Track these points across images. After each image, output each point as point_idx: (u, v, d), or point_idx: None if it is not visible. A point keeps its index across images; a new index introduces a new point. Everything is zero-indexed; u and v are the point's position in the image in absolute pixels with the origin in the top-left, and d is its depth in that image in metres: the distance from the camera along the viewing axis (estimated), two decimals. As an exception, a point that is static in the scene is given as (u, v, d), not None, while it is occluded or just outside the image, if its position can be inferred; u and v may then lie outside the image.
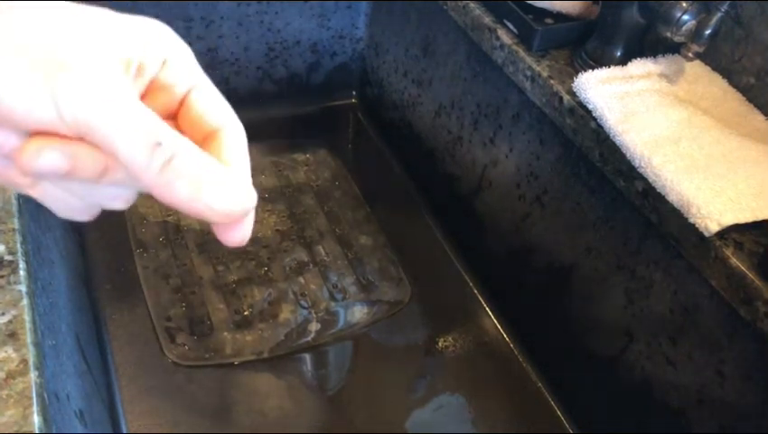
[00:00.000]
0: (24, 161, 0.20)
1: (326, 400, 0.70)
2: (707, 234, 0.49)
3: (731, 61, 0.62)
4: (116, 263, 0.78)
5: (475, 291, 0.83)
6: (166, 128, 0.21)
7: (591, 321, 0.67)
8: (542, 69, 0.63)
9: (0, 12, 0.20)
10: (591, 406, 0.69)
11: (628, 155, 0.54)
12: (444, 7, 0.77)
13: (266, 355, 0.72)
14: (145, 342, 0.71)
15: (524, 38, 0.66)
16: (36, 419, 0.33)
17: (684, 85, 0.61)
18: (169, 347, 0.71)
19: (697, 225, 0.49)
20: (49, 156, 0.20)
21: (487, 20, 0.70)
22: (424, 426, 0.69)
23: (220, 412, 0.67)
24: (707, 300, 0.53)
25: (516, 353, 0.77)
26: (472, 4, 0.71)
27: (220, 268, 0.79)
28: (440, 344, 0.77)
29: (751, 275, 0.47)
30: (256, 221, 0.84)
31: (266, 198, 0.88)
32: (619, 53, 0.62)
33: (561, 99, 0.61)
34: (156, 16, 0.23)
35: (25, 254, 0.41)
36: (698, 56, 0.57)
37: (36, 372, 0.35)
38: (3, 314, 0.37)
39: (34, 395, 0.34)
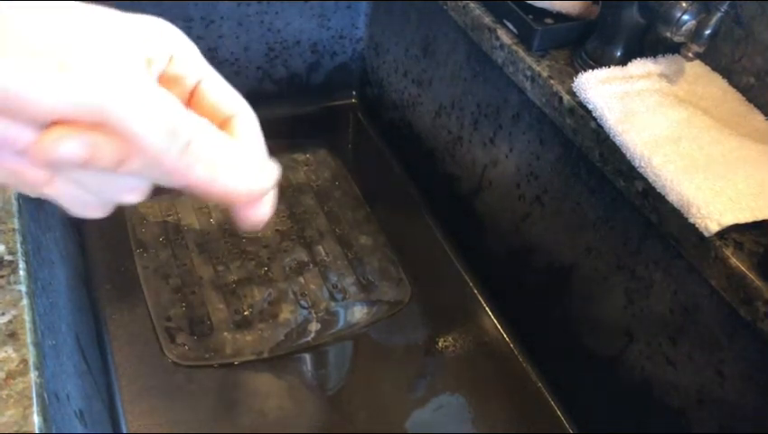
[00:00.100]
0: (43, 150, 0.20)
1: (326, 401, 0.70)
2: (706, 234, 0.49)
3: (731, 61, 0.62)
4: (116, 263, 0.78)
5: (475, 291, 0.83)
6: (184, 112, 0.21)
7: (591, 321, 0.67)
8: (542, 69, 0.63)
9: (11, 8, 0.20)
10: (591, 406, 0.69)
11: (628, 155, 0.54)
12: (444, 7, 0.77)
13: (266, 355, 0.72)
14: (145, 342, 0.71)
15: (524, 38, 0.66)
16: (36, 420, 0.33)
17: (684, 85, 0.61)
18: (169, 347, 0.71)
19: (697, 225, 0.49)
20: (68, 145, 0.20)
21: (487, 20, 0.70)
22: (424, 426, 0.69)
23: (219, 412, 0.67)
24: (707, 300, 0.53)
25: (516, 353, 0.77)
26: (472, 4, 0.71)
27: (220, 268, 0.79)
28: (440, 344, 0.77)
29: (751, 275, 0.47)
30: (256, 221, 0.81)
31: (266, 198, 0.88)
32: (619, 53, 0.62)
33: (561, 98, 0.61)
34: (157, 16, 0.23)
35: (25, 254, 0.41)
36: (698, 56, 0.57)
37: (36, 373, 0.35)
38: (3, 314, 0.37)
39: (34, 395, 0.34)
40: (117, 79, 0.20)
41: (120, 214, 0.83)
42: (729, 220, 0.48)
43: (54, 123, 0.21)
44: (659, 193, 0.52)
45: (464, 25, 0.74)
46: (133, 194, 0.24)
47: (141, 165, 0.22)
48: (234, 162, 0.22)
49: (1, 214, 0.42)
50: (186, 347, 0.71)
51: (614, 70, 0.60)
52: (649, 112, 0.57)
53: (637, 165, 0.54)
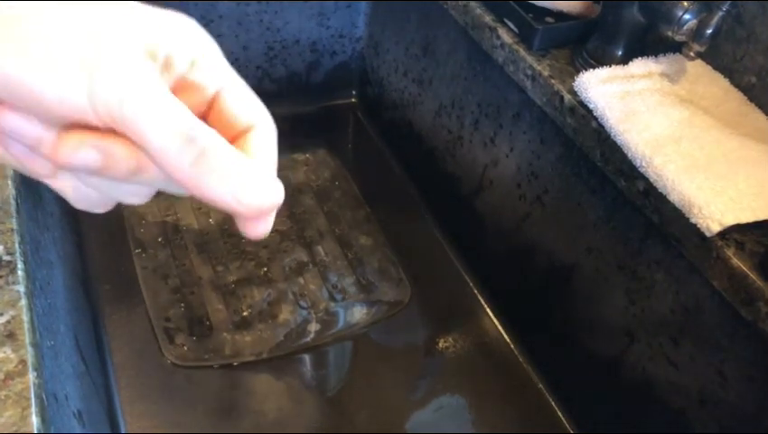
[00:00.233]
0: (61, 156, 0.20)
1: (326, 401, 0.70)
2: (708, 234, 0.49)
3: (732, 61, 0.62)
4: (114, 263, 0.77)
5: (475, 291, 0.83)
6: (198, 122, 0.21)
7: (592, 321, 0.67)
8: (543, 68, 0.63)
9: (31, 5, 0.20)
10: (591, 406, 0.69)
11: (629, 155, 0.54)
12: (445, 6, 0.77)
13: (265, 356, 0.72)
14: (143, 342, 0.71)
15: (525, 37, 0.66)
16: (35, 420, 0.33)
17: (685, 84, 0.61)
18: (168, 348, 0.70)
19: (698, 225, 0.49)
20: (86, 153, 0.20)
21: (487, 19, 0.69)
22: (424, 426, 0.69)
23: (219, 413, 0.67)
24: (709, 301, 0.53)
25: (516, 353, 0.77)
26: (472, 4, 0.71)
27: (220, 268, 0.79)
28: (440, 344, 0.77)
29: (752, 275, 0.47)
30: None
31: (266, 198, 0.88)
32: (620, 53, 0.62)
33: (562, 98, 0.61)
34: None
35: (23, 254, 0.40)
36: (700, 55, 0.57)
37: (35, 373, 0.35)
38: (1, 314, 0.37)
39: (33, 396, 0.34)
40: (134, 82, 0.20)
41: (119, 214, 0.82)
42: (730, 220, 0.48)
43: (69, 125, 0.20)
44: (660, 193, 0.52)
45: (465, 24, 0.73)
46: (138, 197, 0.24)
47: (153, 177, 0.22)
48: (246, 177, 0.22)
49: (-1, 214, 0.42)
50: (185, 348, 0.71)
51: (615, 70, 0.60)
52: (650, 112, 0.57)
53: (638, 164, 0.54)
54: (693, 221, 0.50)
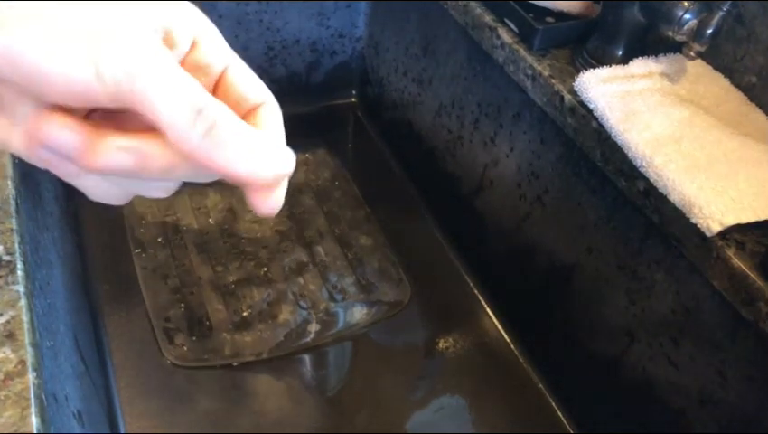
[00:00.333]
0: (94, 161, 0.21)
1: (326, 402, 0.69)
2: (708, 234, 0.49)
3: (733, 61, 0.62)
4: (114, 263, 0.77)
5: (475, 291, 0.83)
6: (208, 95, 0.21)
7: (592, 321, 0.66)
8: (543, 68, 0.63)
9: None
10: (591, 406, 0.69)
11: (629, 155, 0.54)
12: (445, 6, 0.76)
13: (265, 356, 0.72)
14: (143, 343, 0.71)
15: (525, 37, 0.66)
16: (34, 421, 0.33)
17: (686, 84, 0.61)
18: (168, 348, 0.70)
19: (698, 225, 0.49)
20: (120, 158, 0.21)
21: (487, 19, 0.69)
22: (424, 427, 0.69)
23: (219, 413, 0.67)
24: (709, 301, 0.53)
25: (516, 353, 0.77)
26: (472, 3, 0.71)
27: (219, 268, 0.79)
28: (440, 344, 0.77)
29: (753, 275, 0.47)
30: (255, 221, 0.84)
31: (266, 198, 0.88)
32: (620, 52, 0.62)
33: (562, 98, 0.61)
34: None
35: (23, 254, 0.40)
36: (700, 55, 0.56)
37: (34, 373, 0.35)
38: (1, 315, 0.37)
39: (32, 396, 0.34)
40: (142, 55, 0.20)
41: (119, 214, 0.82)
42: (731, 220, 0.48)
43: (93, 111, 0.21)
44: (660, 193, 0.52)
45: (465, 24, 0.73)
46: (163, 191, 0.24)
47: (184, 173, 0.22)
48: (258, 147, 0.22)
49: (-2, 214, 0.42)
50: (185, 348, 0.71)
51: (616, 70, 0.60)
52: (650, 111, 0.56)
53: (638, 164, 0.53)
54: (693, 221, 0.49)
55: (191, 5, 0.23)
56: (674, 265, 0.55)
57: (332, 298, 0.78)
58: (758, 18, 0.59)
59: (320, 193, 0.91)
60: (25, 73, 0.20)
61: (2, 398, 0.33)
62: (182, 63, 0.23)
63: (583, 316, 0.67)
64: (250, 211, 0.87)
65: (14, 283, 0.38)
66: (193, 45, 0.23)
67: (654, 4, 0.57)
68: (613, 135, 0.56)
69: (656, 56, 0.62)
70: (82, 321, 0.64)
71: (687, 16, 0.54)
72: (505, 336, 0.79)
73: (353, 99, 1.07)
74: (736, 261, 0.48)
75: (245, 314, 0.75)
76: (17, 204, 0.43)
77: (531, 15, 0.65)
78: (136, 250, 0.79)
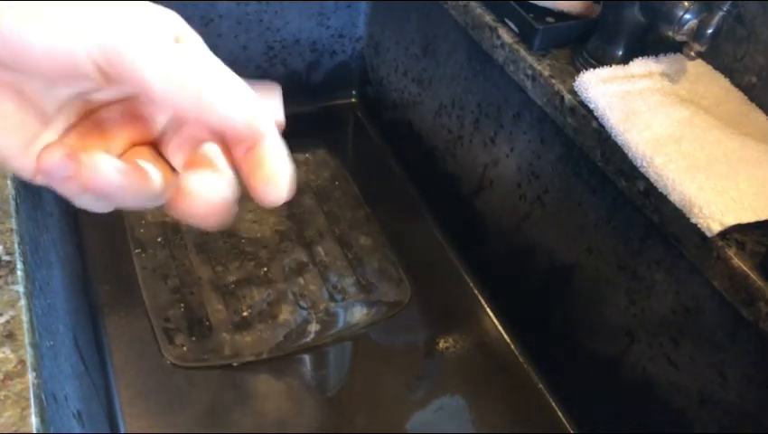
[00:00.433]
0: (91, 183, 0.21)
1: (326, 402, 0.69)
2: (708, 234, 0.49)
3: (733, 61, 0.62)
4: (114, 264, 0.77)
5: (475, 291, 0.83)
6: (196, 61, 0.22)
7: (592, 321, 0.66)
8: (543, 68, 0.63)
9: None
10: (591, 406, 0.69)
11: (629, 155, 0.54)
12: (445, 6, 0.76)
13: (265, 356, 0.72)
14: (143, 343, 0.71)
15: (525, 37, 0.66)
16: (34, 421, 0.33)
17: (686, 84, 0.61)
18: (167, 348, 0.70)
19: (699, 225, 0.49)
20: (117, 180, 0.21)
21: (488, 19, 0.69)
22: (424, 427, 0.69)
23: (218, 414, 0.67)
24: (709, 301, 0.53)
25: (516, 353, 0.77)
26: (472, 3, 0.71)
27: (219, 268, 0.79)
28: (440, 344, 0.77)
29: (753, 275, 0.47)
30: (254, 222, 0.84)
31: (266, 198, 0.88)
32: (620, 52, 0.62)
33: (562, 98, 0.61)
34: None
35: (23, 254, 0.40)
36: (700, 55, 0.56)
37: (34, 374, 0.35)
38: (0, 315, 0.37)
39: (32, 396, 0.34)
40: (134, 28, 0.20)
41: (119, 214, 0.82)
42: (731, 220, 0.48)
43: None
44: (660, 193, 0.52)
45: (465, 24, 0.73)
46: (156, 203, 0.25)
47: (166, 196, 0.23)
48: (248, 96, 0.23)
49: (-2, 214, 0.42)
50: (185, 348, 0.71)
51: (616, 70, 0.60)
52: (650, 111, 0.56)
53: (639, 164, 0.53)
54: (694, 221, 0.49)
55: (172, 12, 0.23)
56: (674, 265, 0.55)
57: (332, 298, 0.78)
58: (758, 18, 0.59)
59: (320, 193, 0.91)
60: (10, 45, 0.20)
61: (2, 398, 0.33)
62: None
63: (583, 316, 0.67)
64: (250, 211, 0.87)
65: (13, 283, 0.38)
66: (177, 40, 0.23)
67: (654, 4, 0.57)
68: (613, 135, 0.56)
69: (656, 56, 0.62)
70: (82, 321, 0.64)
71: (687, 16, 0.54)
72: (505, 336, 0.79)
73: (353, 99, 1.07)
74: (737, 261, 0.48)
75: (245, 314, 0.75)
76: (17, 204, 0.43)
77: (531, 15, 0.65)
78: (136, 250, 0.79)
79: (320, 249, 0.84)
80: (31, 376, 0.34)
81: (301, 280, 0.80)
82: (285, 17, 0.94)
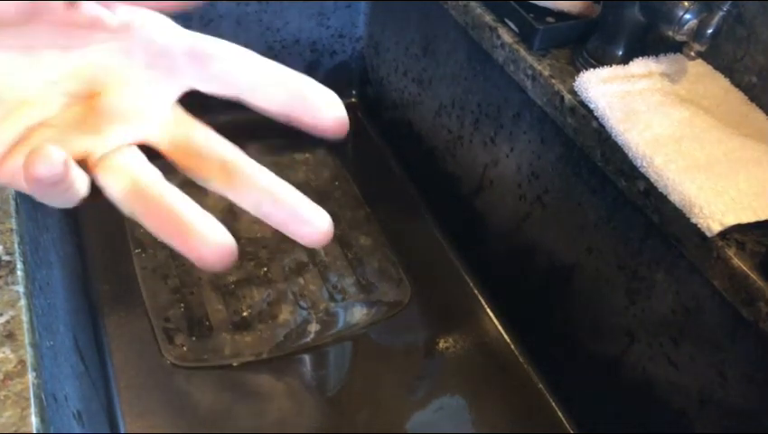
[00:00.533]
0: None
1: (326, 402, 0.69)
2: (709, 234, 0.49)
3: (733, 61, 0.62)
4: (114, 263, 0.77)
5: (475, 291, 0.83)
6: None
7: (592, 321, 0.66)
8: (543, 68, 0.63)
9: None
10: (591, 406, 0.69)
11: (630, 155, 0.54)
12: (445, 6, 0.76)
13: (265, 356, 0.72)
14: (143, 343, 0.70)
15: (525, 37, 0.66)
16: (34, 421, 0.33)
17: (686, 84, 0.61)
18: (167, 348, 0.70)
19: (699, 225, 0.49)
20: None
21: (488, 19, 0.69)
22: (424, 427, 0.69)
23: (218, 414, 0.67)
24: (709, 301, 0.53)
25: (516, 353, 0.77)
26: (472, 3, 0.71)
27: (219, 268, 0.79)
28: (440, 344, 0.77)
29: (753, 275, 0.47)
30: (254, 222, 0.84)
31: (266, 198, 0.88)
32: (620, 52, 0.62)
33: (562, 98, 0.61)
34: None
35: (23, 254, 0.40)
36: (700, 55, 0.56)
37: (34, 374, 0.35)
38: (0, 315, 0.37)
39: (32, 396, 0.34)
40: None
41: (119, 214, 0.82)
42: (731, 220, 0.48)
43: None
44: (660, 193, 0.52)
45: (465, 24, 0.73)
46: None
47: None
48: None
49: (-2, 214, 0.42)
50: (185, 348, 0.71)
51: (616, 70, 0.60)
52: (650, 111, 0.56)
53: (639, 164, 0.53)
54: (694, 221, 0.49)
55: None
56: (674, 265, 0.55)
57: (332, 298, 0.78)
58: (758, 18, 0.59)
59: (320, 192, 0.91)
60: None
61: (2, 398, 0.33)
62: None
63: (583, 316, 0.67)
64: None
65: (13, 283, 0.38)
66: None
67: (654, 4, 0.57)
68: (613, 135, 0.56)
69: (656, 56, 0.62)
70: (82, 321, 0.64)
71: (687, 16, 0.54)
72: (505, 336, 0.78)
73: (353, 99, 1.07)
74: (737, 261, 0.48)
75: (245, 314, 0.75)
76: (17, 204, 0.43)
77: (531, 15, 0.65)
78: (136, 250, 0.79)
79: (320, 249, 0.84)
80: (31, 376, 0.34)
81: (301, 280, 0.80)
82: (285, 17, 0.94)
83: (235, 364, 0.71)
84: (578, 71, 0.61)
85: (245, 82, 0.23)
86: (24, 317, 0.37)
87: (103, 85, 0.23)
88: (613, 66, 0.60)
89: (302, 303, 0.77)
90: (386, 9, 0.94)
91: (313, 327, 0.75)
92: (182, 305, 0.74)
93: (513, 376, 0.75)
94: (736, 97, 0.60)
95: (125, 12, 0.23)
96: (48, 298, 0.46)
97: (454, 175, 0.86)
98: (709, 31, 0.53)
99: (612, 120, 0.56)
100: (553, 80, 0.62)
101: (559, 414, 0.72)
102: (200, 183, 0.23)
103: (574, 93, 0.60)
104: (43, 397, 0.35)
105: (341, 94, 1.17)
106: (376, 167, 0.99)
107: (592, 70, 0.60)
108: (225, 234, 0.23)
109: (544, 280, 0.72)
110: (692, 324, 0.55)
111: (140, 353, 0.70)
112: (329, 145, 0.98)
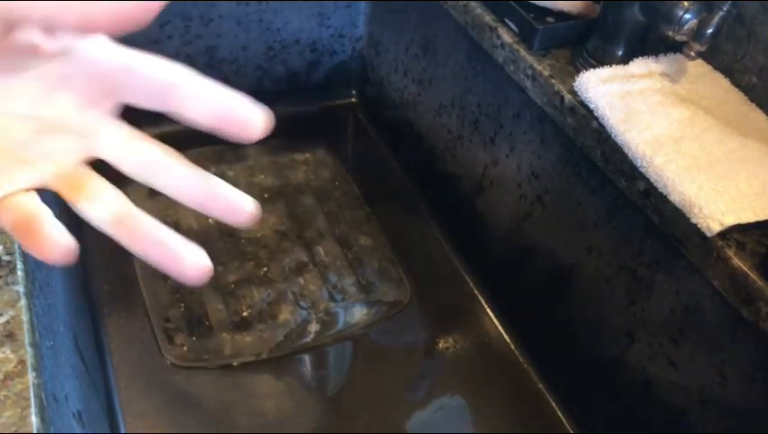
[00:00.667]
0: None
1: (326, 402, 0.69)
2: (708, 234, 0.49)
3: (733, 61, 0.62)
4: (114, 263, 0.77)
5: (475, 291, 0.83)
6: None
7: (592, 322, 0.66)
8: (543, 68, 0.63)
9: None
10: (591, 406, 0.69)
11: (629, 155, 0.54)
12: (445, 6, 0.76)
13: (265, 356, 0.72)
14: (143, 343, 0.71)
15: (525, 37, 0.66)
16: (34, 421, 0.33)
17: (686, 84, 0.61)
18: (167, 348, 0.70)
19: (699, 225, 0.49)
20: None
21: (488, 18, 0.69)
22: (424, 427, 0.69)
23: (218, 414, 0.67)
24: (709, 301, 0.53)
25: (516, 353, 0.77)
26: (472, 3, 0.71)
27: (219, 268, 0.79)
28: (440, 344, 0.77)
29: (753, 275, 0.47)
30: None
31: (266, 198, 0.88)
32: (620, 52, 0.62)
33: (562, 98, 0.61)
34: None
35: (23, 254, 0.40)
36: (700, 55, 0.56)
37: (34, 373, 0.35)
38: (0, 315, 0.37)
39: (32, 396, 0.34)
40: None
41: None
42: (731, 220, 0.48)
43: None
44: (660, 193, 0.52)
45: (465, 24, 0.73)
46: None
47: None
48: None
49: (-2, 214, 0.42)
50: (185, 348, 0.71)
51: (616, 70, 0.60)
52: (650, 111, 0.56)
53: (639, 164, 0.53)
54: (694, 221, 0.49)
55: None
56: (674, 265, 0.55)
57: (332, 298, 0.78)
58: (758, 18, 0.59)
59: (320, 192, 0.91)
60: None
61: (2, 398, 0.33)
62: None
63: (583, 316, 0.67)
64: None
65: (13, 283, 0.38)
66: None
67: (654, 4, 0.57)
68: (613, 135, 0.56)
69: (656, 56, 0.62)
70: (82, 321, 0.64)
71: (687, 16, 0.54)
72: (505, 336, 0.78)
73: (353, 99, 1.07)
74: (736, 261, 0.48)
75: (245, 314, 0.75)
76: (17, 204, 0.43)
77: (531, 15, 0.65)
78: (136, 250, 0.79)
79: (320, 249, 0.84)
80: (31, 376, 0.34)
81: (301, 280, 0.80)
82: (285, 17, 0.94)
83: (235, 364, 0.71)
84: (578, 71, 0.61)
85: (175, 98, 0.25)
86: (24, 317, 0.37)
87: (46, 104, 0.25)
88: (613, 66, 0.60)
89: (302, 303, 0.77)
90: (386, 9, 0.94)
91: (313, 327, 0.75)
92: (182, 305, 0.74)
93: (513, 376, 0.75)
94: (736, 97, 0.60)
95: (64, 37, 0.24)
96: (48, 298, 0.46)
97: (454, 175, 0.86)
98: (709, 31, 0.53)
99: (612, 120, 0.56)
100: (553, 80, 0.62)
101: (559, 414, 0.72)
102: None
103: (574, 93, 0.60)
104: (43, 397, 0.35)
105: (342, 94, 1.18)
106: (376, 167, 0.99)
107: (592, 70, 0.60)
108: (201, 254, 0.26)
109: (544, 280, 0.72)
110: (692, 324, 0.55)
111: (140, 353, 0.70)
112: (329, 145, 0.98)
